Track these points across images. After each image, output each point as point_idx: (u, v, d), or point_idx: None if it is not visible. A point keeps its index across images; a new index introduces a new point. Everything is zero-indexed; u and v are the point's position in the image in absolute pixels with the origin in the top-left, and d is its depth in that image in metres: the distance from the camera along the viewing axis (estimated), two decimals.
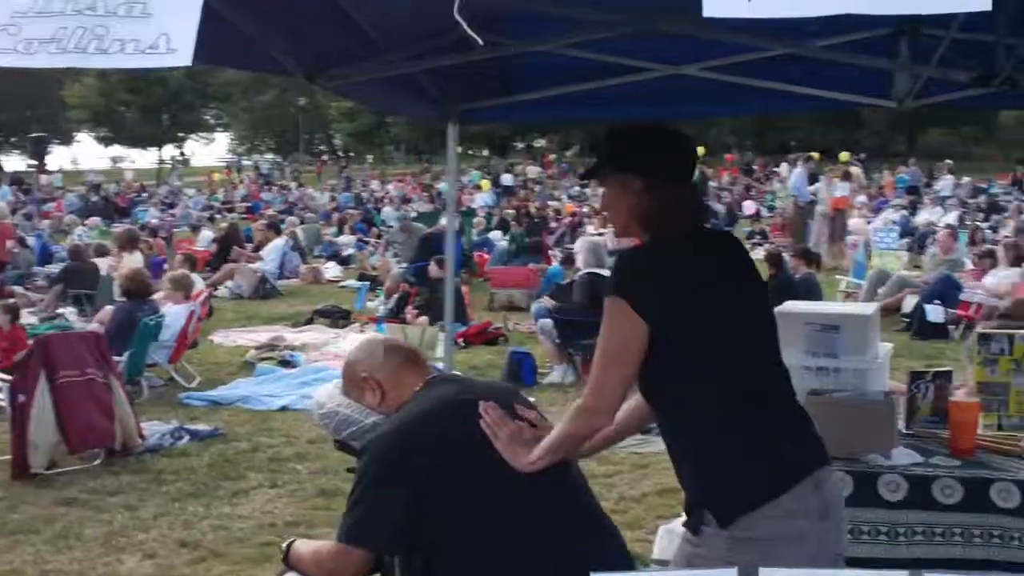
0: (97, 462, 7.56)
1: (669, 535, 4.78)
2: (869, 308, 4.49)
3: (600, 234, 19.78)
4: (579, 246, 10.58)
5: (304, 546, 3.19)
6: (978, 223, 22.72)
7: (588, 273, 10.41)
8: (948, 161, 40.16)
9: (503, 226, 24.71)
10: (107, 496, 6.92)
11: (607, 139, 3.05)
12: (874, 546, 3.96)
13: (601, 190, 3.13)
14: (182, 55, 1.99)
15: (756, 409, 2.87)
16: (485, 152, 71.90)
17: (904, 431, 4.41)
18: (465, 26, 2.31)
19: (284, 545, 3.24)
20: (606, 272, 10.45)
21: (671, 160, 2.98)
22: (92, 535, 6.17)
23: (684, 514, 2.94)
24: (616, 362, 2.82)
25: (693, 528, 2.80)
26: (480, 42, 2.67)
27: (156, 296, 10.63)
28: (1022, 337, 4.44)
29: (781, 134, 60.47)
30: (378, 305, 15.36)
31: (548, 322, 10.43)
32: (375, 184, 46.64)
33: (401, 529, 2.85)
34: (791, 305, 4.54)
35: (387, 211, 31.74)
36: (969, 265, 14.21)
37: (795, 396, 2.99)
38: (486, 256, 20.22)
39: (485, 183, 43.20)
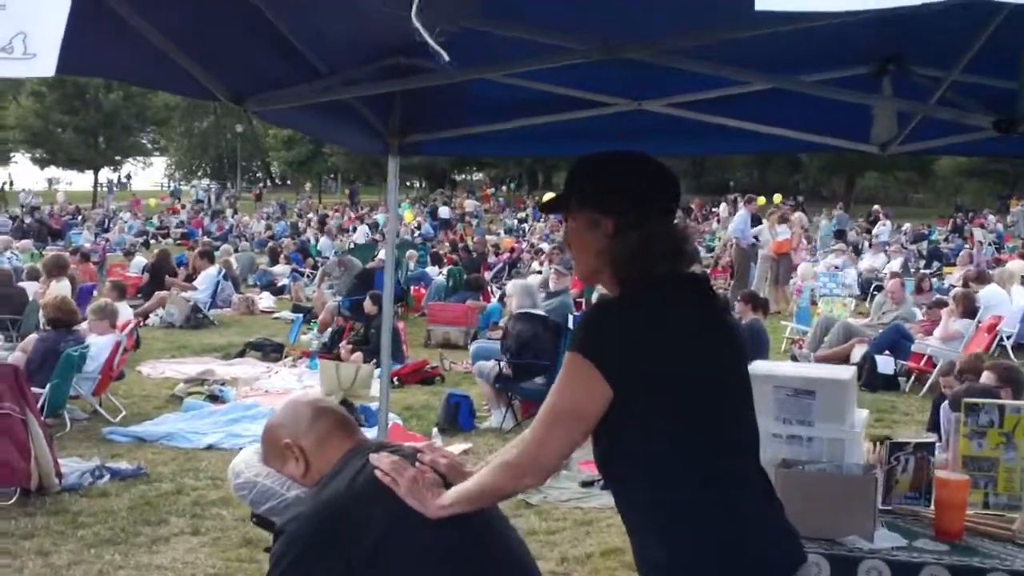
0: (10, 502, 7.07)
1: None
2: (846, 372, 4.10)
3: (538, 272, 19.45)
4: (511, 288, 10.20)
5: None
6: (923, 271, 22.68)
7: (521, 314, 10.00)
8: (876, 207, 40.39)
9: (437, 260, 24.32)
10: (20, 540, 6.45)
11: (577, 168, 2.67)
12: None
13: (563, 224, 2.75)
14: (43, 63, 1.52)
15: (737, 492, 2.51)
16: (419, 184, 71.81)
17: (881, 507, 4.01)
18: (427, 36, 1.90)
19: None
20: (538, 312, 10.11)
21: (651, 195, 2.60)
22: None
23: None
24: (566, 424, 2.47)
25: None
26: (445, 57, 2.26)
27: (81, 326, 10.07)
28: (1013, 408, 4.08)
29: (719, 174, 60.96)
30: (312, 339, 14.89)
31: (487, 364, 9.99)
32: (312, 215, 45.99)
33: None
34: (759, 366, 4.13)
35: (323, 242, 31.23)
36: (919, 315, 14.00)
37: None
38: (423, 291, 19.78)
39: (408, 214, 42.88)
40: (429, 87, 3.99)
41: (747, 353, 2.80)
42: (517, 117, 4.49)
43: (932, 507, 4.04)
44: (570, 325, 10.11)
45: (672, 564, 2.43)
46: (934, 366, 11.87)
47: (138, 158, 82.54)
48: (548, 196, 2.78)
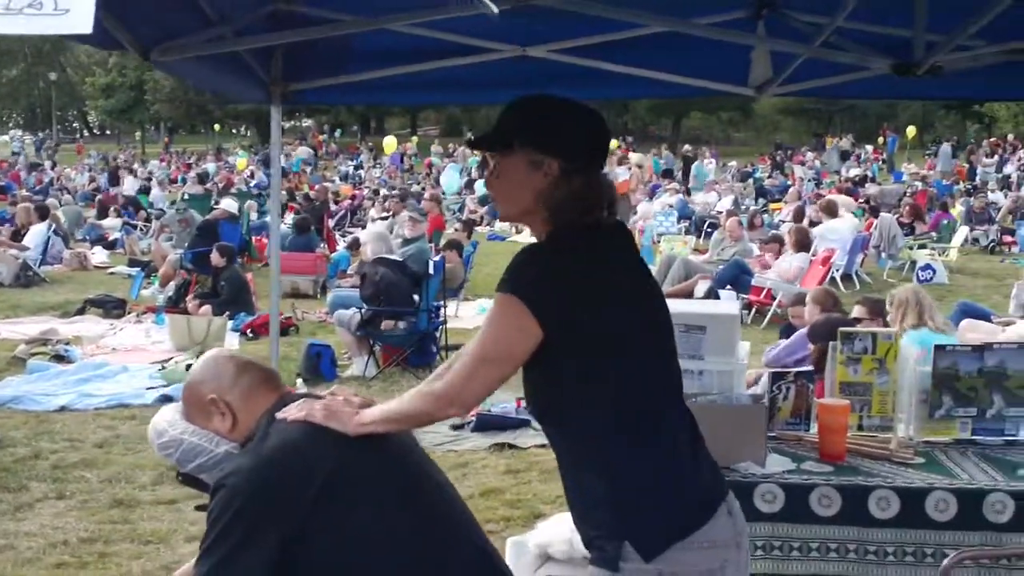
0: None
1: (518, 548, 4.47)
2: (733, 307, 4.27)
3: (383, 218, 19.36)
4: (366, 235, 10.14)
5: None
6: (753, 207, 23.44)
7: (380, 259, 9.98)
8: (687, 147, 41.43)
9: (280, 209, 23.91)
10: None
11: (521, 108, 2.64)
12: (755, 562, 3.74)
13: (490, 160, 2.68)
14: (79, 18, 1.44)
15: (673, 431, 2.61)
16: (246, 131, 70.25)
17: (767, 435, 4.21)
18: None
19: None
20: (395, 257, 10.11)
21: (595, 142, 2.64)
22: None
23: (585, 547, 2.61)
24: (493, 364, 2.51)
25: (608, 564, 2.47)
26: (494, 9, 2.21)
27: None
28: (885, 336, 4.32)
29: None
30: (154, 293, 14.51)
31: (347, 312, 9.95)
32: (137, 166, 44.46)
33: (271, 574, 2.43)
34: None
35: (155, 193, 30.32)
36: (755, 251, 14.52)
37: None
38: (264, 241, 19.44)
39: (241, 162, 42.07)
40: (315, 38, 3.93)
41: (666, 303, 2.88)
42: (400, 64, 4.48)
43: (812, 431, 4.27)
44: (430, 271, 10.14)
45: (614, 498, 2.50)
46: (773, 299, 12.38)
47: None
48: (473, 135, 2.73)
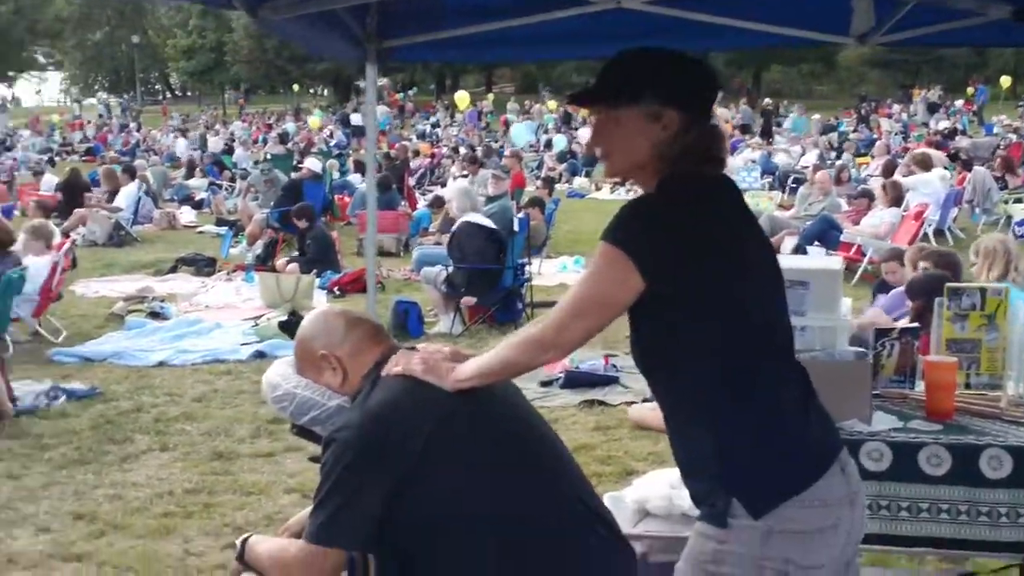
0: None
1: (615, 503, 4.46)
2: (836, 263, 4.18)
3: (464, 176, 19.36)
4: (451, 192, 10.12)
5: (262, 544, 2.83)
6: (838, 162, 23.04)
7: (466, 223, 9.96)
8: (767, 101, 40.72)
9: (360, 168, 24.02)
10: None
11: (639, 59, 2.58)
12: None
13: (591, 118, 2.67)
14: None
15: (780, 386, 2.55)
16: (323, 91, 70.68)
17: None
18: None
19: (239, 542, 2.88)
20: (483, 220, 10.09)
21: (709, 94, 2.60)
22: None
23: (694, 503, 2.57)
24: (592, 313, 2.48)
25: (716, 520, 2.44)
26: None
27: (15, 247, 9.77)
28: (995, 291, 4.21)
29: None
30: (243, 252, 14.71)
31: (432, 270, 9.98)
32: (219, 127, 45.04)
33: (379, 525, 2.50)
34: None
35: (239, 153, 30.68)
36: (844, 206, 14.26)
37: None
38: (347, 199, 19.61)
39: (315, 121, 42.43)
40: None
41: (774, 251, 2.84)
42: (493, 19, 4.43)
43: (917, 389, 4.18)
44: (515, 228, 10.12)
45: (720, 453, 2.46)
46: (863, 255, 12.16)
47: (32, 73, 79.79)
48: (576, 90, 2.69)
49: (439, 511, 2.50)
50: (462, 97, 41.04)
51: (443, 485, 2.50)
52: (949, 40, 4.29)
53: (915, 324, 4.17)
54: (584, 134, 30.44)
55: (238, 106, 60.94)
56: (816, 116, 36.70)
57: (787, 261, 4.75)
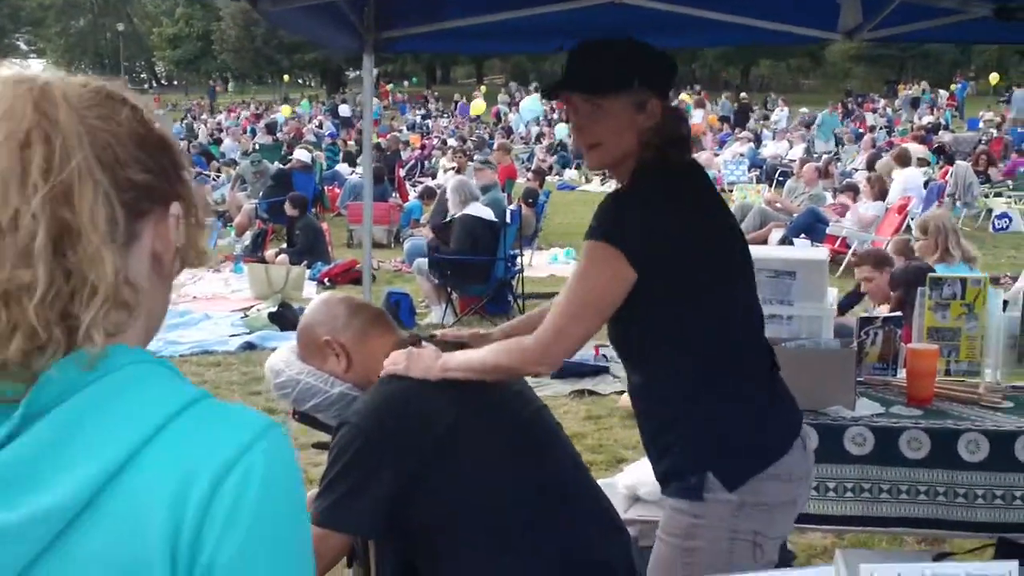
0: None
1: (607, 490, 4.55)
2: (822, 253, 4.30)
3: (454, 168, 19.43)
4: (450, 185, 10.19)
5: None
6: (824, 155, 23.17)
7: (467, 216, 10.03)
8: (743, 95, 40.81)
9: (349, 159, 24.05)
10: None
11: (625, 49, 2.63)
12: (841, 503, 3.82)
13: (575, 107, 2.64)
14: None
15: (754, 366, 2.69)
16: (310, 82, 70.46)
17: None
18: None
19: None
20: (483, 212, 10.17)
21: (672, 81, 2.71)
22: None
23: (663, 481, 2.67)
24: (589, 314, 2.55)
25: (691, 494, 2.54)
26: None
27: None
28: (975, 281, 4.34)
29: None
30: (231, 243, 14.74)
31: (424, 261, 10.07)
32: (206, 116, 44.97)
33: (387, 512, 2.48)
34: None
35: (227, 143, 30.63)
36: (829, 199, 14.40)
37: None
38: (336, 191, 19.64)
39: (286, 108, 42.44)
40: None
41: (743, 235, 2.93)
42: (491, 11, 4.52)
43: (899, 376, 4.32)
44: (507, 219, 10.22)
45: (697, 431, 2.58)
46: (848, 248, 12.30)
47: (14, 61, 79.16)
48: (562, 79, 2.66)
49: (454, 501, 2.49)
50: (478, 106, 40.52)
51: (457, 476, 2.49)
52: (933, 36, 4.40)
53: (898, 314, 4.28)
54: (563, 128, 30.47)
55: (219, 93, 60.59)
56: (803, 109, 36.83)
57: (774, 252, 4.91)
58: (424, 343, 2.79)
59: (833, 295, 4.47)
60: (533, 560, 2.52)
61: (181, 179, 1.19)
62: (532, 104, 33.37)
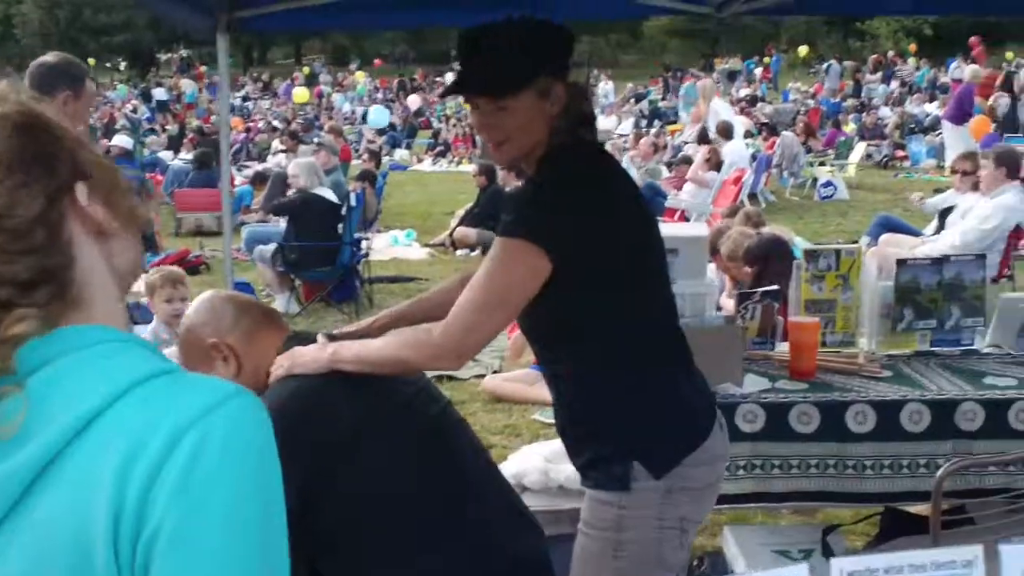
0: None
1: None
2: (703, 229, 4.26)
3: (284, 151, 18.97)
4: (295, 168, 9.88)
5: None
6: (652, 129, 23.55)
7: (313, 197, 9.71)
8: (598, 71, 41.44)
9: (173, 145, 23.26)
10: None
11: (513, 39, 2.47)
12: (734, 482, 3.79)
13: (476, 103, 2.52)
14: None
15: (675, 348, 2.66)
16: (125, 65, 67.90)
17: None
18: None
19: None
20: (327, 194, 9.89)
21: (570, 56, 2.58)
22: None
23: (584, 471, 2.60)
24: (502, 309, 2.44)
25: (618, 484, 2.47)
26: None
27: None
28: (848, 252, 4.38)
29: (441, 43, 60.64)
30: None
31: (266, 248, 9.73)
32: None
33: (289, 522, 2.32)
34: None
35: None
36: (665, 172, 14.61)
37: None
38: (159, 177, 18.92)
39: (120, 89, 40.99)
40: None
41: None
42: None
43: (779, 349, 4.32)
44: (352, 203, 9.96)
45: (621, 421, 2.52)
46: (686, 220, 12.49)
47: None
48: (451, 78, 2.57)
49: (362, 500, 2.38)
50: (300, 94, 39.61)
51: (365, 475, 2.37)
52: (809, 9, 4.40)
53: (775, 287, 4.28)
54: (414, 101, 30.19)
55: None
56: (629, 85, 37.46)
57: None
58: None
59: (713, 270, 4.45)
60: (443, 561, 2.41)
61: (72, 155, 1.14)
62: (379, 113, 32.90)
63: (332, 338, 2.64)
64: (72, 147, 1.15)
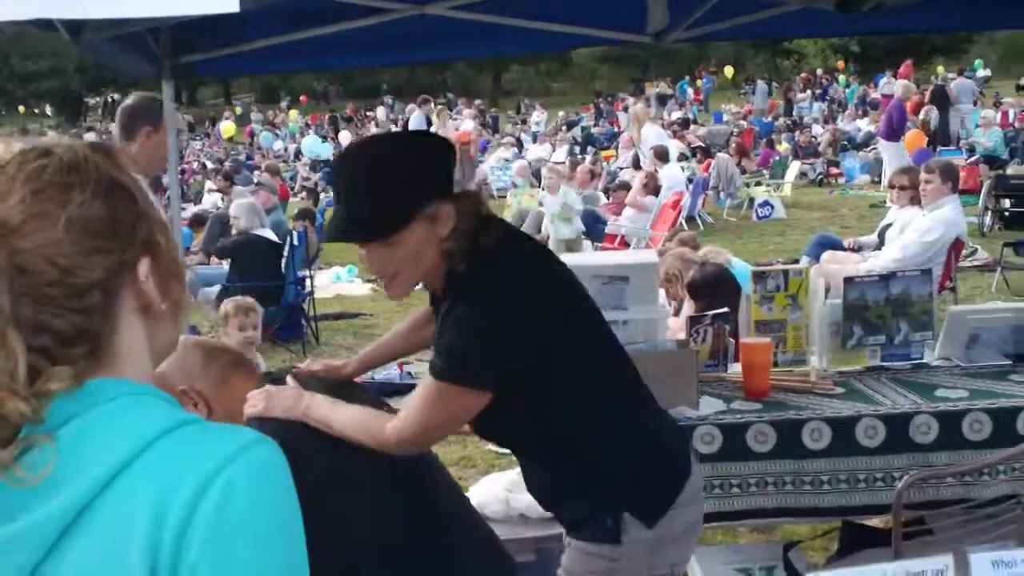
0: None
1: None
2: (653, 256, 4.32)
3: (217, 191, 18.85)
4: (236, 209, 9.83)
5: None
6: (587, 156, 23.69)
7: (255, 238, 9.66)
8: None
9: None
10: None
11: (392, 173, 2.36)
12: None
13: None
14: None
15: (645, 403, 2.68)
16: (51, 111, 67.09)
17: None
18: None
19: None
20: (268, 234, 9.85)
21: (452, 164, 2.51)
22: None
23: (569, 526, 2.63)
24: (441, 429, 2.51)
25: (609, 537, 2.48)
26: None
27: None
28: (796, 272, 4.45)
29: (370, 77, 60.65)
30: None
31: (211, 290, 9.67)
32: None
33: None
34: (574, 259, 4.28)
35: None
36: (603, 199, 14.72)
37: None
38: None
39: (50, 135, 40.13)
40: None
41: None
42: (296, 29, 4.34)
43: (731, 371, 4.37)
44: (294, 241, 9.92)
45: (606, 479, 2.53)
46: (627, 246, 12.59)
47: None
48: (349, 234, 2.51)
49: (332, 542, 2.33)
50: (227, 128, 39.31)
51: (338, 521, 2.32)
52: (752, 33, 4.48)
53: (725, 310, 4.34)
54: (345, 137, 30.08)
55: None
56: (561, 113, 37.71)
57: (606, 258, 4.90)
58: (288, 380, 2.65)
59: (663, 295, 4.50)
60: None
61: (147, 233, 1.20)
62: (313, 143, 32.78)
63: (298, 379, 2.65)
64: (149, 224, 1.20)
